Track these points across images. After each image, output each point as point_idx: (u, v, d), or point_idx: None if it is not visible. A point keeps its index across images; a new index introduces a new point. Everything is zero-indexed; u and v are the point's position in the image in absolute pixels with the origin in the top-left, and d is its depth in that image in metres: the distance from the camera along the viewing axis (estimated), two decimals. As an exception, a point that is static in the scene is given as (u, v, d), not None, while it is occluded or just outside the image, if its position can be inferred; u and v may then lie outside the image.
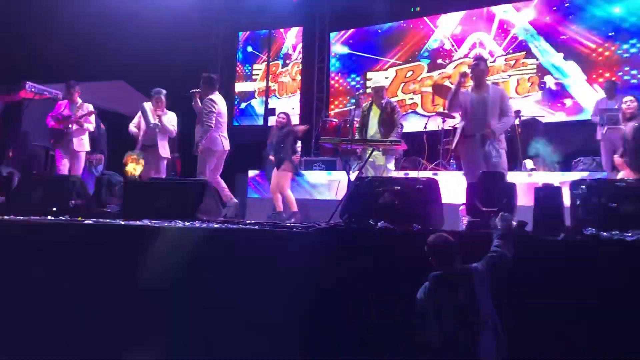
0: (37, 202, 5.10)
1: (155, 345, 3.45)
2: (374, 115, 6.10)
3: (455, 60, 10.12)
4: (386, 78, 10.34)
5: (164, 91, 6.94)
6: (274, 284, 3.65)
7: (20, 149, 8.12)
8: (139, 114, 6.86)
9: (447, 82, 9.53)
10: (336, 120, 9.66)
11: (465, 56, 9.94)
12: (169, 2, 10.00)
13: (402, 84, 10.63)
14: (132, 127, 6.85)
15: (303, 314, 3.60)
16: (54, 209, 4.88)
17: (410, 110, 10.34)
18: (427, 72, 10.39)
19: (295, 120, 11.65)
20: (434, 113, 9.09)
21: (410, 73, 10.60)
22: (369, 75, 10.92)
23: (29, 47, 8.56)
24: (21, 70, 8.27)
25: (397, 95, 10.43)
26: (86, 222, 3.09)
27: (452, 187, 5.99)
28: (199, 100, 6.40)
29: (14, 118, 7.96)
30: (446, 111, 7.17)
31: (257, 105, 12.47)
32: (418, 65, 10.53)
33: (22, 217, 3.97)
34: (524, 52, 9.43)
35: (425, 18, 10.54)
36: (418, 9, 10.56)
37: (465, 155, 5.31)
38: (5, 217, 4.07)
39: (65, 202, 4.95)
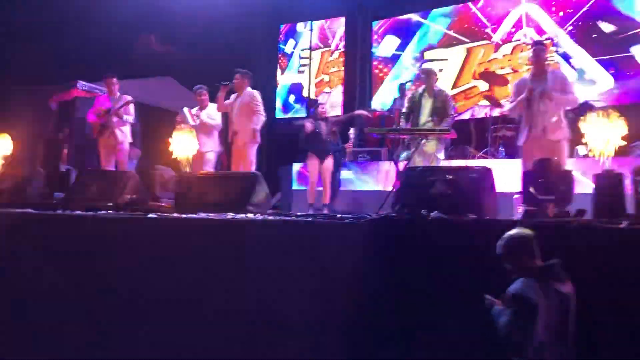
0: (93, 197, 5.25)
1: (205, 338, 3.50)
2: (426, 104, 6.00)
3: (493, 42, 9.78)
4: (443, 62, 9.95)
5: (203, 87, 7.08)
6: (325, 275, 3.65)
7: (74, 145, 8.39)
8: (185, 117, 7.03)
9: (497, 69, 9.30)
10: (380, 110, 9.60)
11: (510, 35, 9.61)
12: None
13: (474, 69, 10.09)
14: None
15: (355, 307, 3.59)
16: (110, 203, 5.01)
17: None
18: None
19: (338, 111, 11.69)
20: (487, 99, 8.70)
21: (482, 53, 10.09)
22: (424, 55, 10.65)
23: (79, 47, 8.80)
24: (73, 70, 8.52)
25: (470, 82, 10.01)
26: (149, 215, 3.17)
27: (503, 175, 5.87)
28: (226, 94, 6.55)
29: (67, 116, 8.22)
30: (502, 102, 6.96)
31: (300, 97, 12.49)
32: (488, 44, 10.05)
33: (82, 212, 4.09)
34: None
35: (469, 3, 10.28)
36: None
37: (529, 149, 5.15)
38: (68, 211, 4.20)
39: (120, 196, 5.08)
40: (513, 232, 2.88)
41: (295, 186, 8.83)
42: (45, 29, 8.63)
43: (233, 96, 6.76)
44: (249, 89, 6.74)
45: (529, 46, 9.20)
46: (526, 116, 5.21)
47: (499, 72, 9.20)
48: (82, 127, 8.15)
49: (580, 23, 8.85)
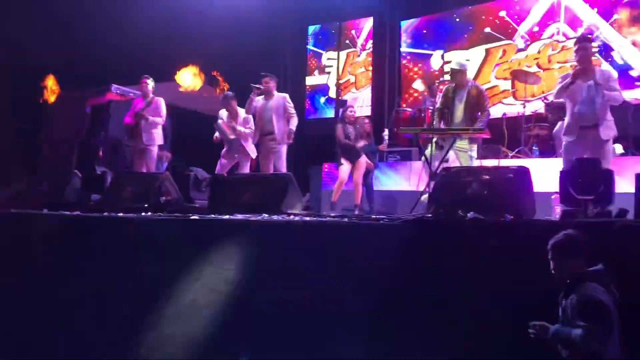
0: (128, 198, 5.34)
1: (242, 339, 3.52)
2: (460, 99, 5.87)
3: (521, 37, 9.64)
4: (467, 60, 9.91)
5: (230, 94, 7.14)
6: (361, 276, 3.65)
7: (109, 148, 8.54)
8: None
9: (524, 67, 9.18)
10: (410, 109, 9.54)
11: (538, 33, 9.46)
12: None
13: (495, 67, 10.00)
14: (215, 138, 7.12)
15: (391, 308, 3.58)
16: (146, 205, 5.08)
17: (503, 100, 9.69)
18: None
19: (366, 111, 11.66)
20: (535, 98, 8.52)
21: (501, 53, 10.02)
22: (448, 56, 10.55)
23: (113, 51, 8.96)
24: (107, 73, 8.68)
25: (489, 81, 9.87)
26: (192, 217, 3.21)
27: (537, 174, 5.78)
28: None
29: (102, 119, 8.37)
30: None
31: (327, 97, 12.49)
32: (509, 44, 9.91)
33: (123, 214, 4.16)
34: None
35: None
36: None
37: (572, 148, 5.05)
38: (106, 214, 4.28)
39: (156, 198, 5.15)
40: (570, 231, 2.81)
41: (324, 187, 8.84)
42: (79, 33, 8.79)
43: (260, 98, 6.84)
44: (275, 92, 6.93)
45: (561, 43, 9.10)
46: (571, 111, 5.10)
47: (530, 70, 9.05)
48: (116, 130, 8.30)
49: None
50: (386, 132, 7.59)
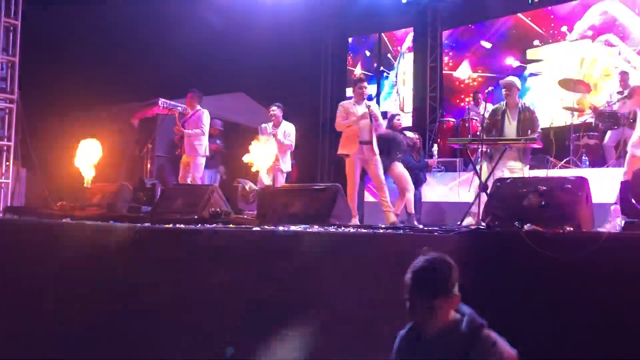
0: (178, 210, 5.41)
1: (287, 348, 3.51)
2: (511, 122, 5.72)
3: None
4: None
5: (274, 107, 7.17)
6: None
7: (157, 161, 8.71)
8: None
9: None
10: (453, 120, 9.45)
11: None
12: (279, 13, 10.33)
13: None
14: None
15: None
16: (195, 216, 5.14)
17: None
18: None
19: (408, 121, 11.59)
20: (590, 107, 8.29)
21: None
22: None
23: (160, 66, 9.17)
24: (154, 88, 8.88)
25: None
26: (255, 228, 3.24)
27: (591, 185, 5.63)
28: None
29: (149, 133, 8.55)
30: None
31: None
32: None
33: (194, 226, 4.20)
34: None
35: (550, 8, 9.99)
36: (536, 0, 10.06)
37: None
38: (166, 225, 4.35)
39: (205, 210, 5.20)
40: (436, 255, 2.40)
41: (367, 198, 8.80)
42: (128, 48, 9.03)
43: (353, 102, 6.58)
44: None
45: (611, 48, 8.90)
46: None
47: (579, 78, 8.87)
48: (163, 143, 8.47)
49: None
50: (435, 147, 7.53)
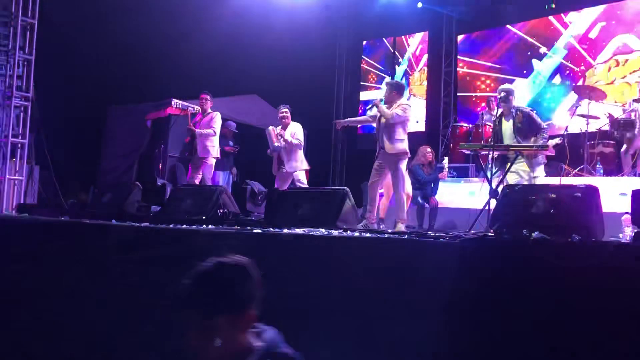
0: (187, 211, 5.43)
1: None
2: (507, 127, 5.74)
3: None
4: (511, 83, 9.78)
5: (284, 108, 7.18)
6: (418, 296, 3.55)
7: (168, 161, 8.76)
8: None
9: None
10: (467, 125, 9.38)
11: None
12: (293, 16, 10.34)
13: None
14: (269, 152, 7.15)
15: (449, 331, 3.47)
16: (204, 217, 5.15)
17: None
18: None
19: (421, 126, 11.53)
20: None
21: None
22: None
23: (173, 67, 9.22)
24: (167, 88, 8.93)
25: None
26: (255, 231, 3.22)
27: (603, 194, 5.55)
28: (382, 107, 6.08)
29: (161, 133, 8.60)
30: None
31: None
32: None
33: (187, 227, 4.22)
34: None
35: (562, 15, 9.92)
36: (553, 5, 9.96)
37: None
38: (172, 225, 4.36)
39: (213, 211, 5.21)
40: (230, 260, 1.81)
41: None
42: (139, 50, 9.09)
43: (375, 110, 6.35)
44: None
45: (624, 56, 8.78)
46: None
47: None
48: (175, 144, 8.51)
49: None
50: (446, 160, 7.49)
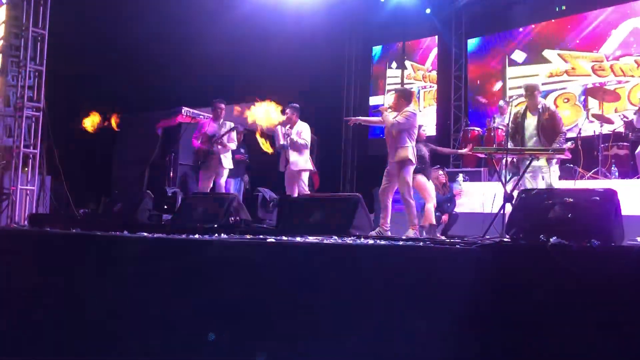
0: (198, 219, 5.40)
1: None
2: (531, 122, 5.66)
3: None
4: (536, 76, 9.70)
5: (287, 109, 7.12)
6: (433, 303, 3.50)
7: (178, 169, 8.75)
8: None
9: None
10: (479, 129, 9.31)
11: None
12: (302, 22, 10.33)
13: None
14: (277, 148, 7.11)
15: (465, 338, 3.41)
16: (215, 225, 5.12)
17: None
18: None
19: (432, 130, 11.46)
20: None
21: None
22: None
23: (183, 75, 9.22)
24: (177, 96, 8.94)
25: None
26: (269, 240, 3.20)
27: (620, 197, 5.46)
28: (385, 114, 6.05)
29: (172, 141, 8.60)
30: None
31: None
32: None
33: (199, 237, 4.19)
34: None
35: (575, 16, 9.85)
36: (564, 7, 9.89)
37: None
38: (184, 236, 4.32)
39: (225, 219, 5.18)
40: None
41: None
42: (150, 57, 9.12)
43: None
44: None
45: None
46: None
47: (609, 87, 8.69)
48: (185, 152, 8.50)
49: None
50: (460, 177, 7.43)
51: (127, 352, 2.83)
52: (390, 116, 5.82)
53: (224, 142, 7.22)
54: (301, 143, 6.94)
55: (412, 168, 5.81)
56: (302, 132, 7.02)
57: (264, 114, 6.25)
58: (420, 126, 7.59)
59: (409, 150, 5.70)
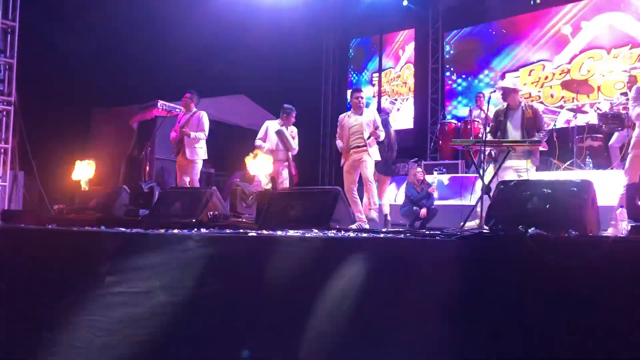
0: (176, 214, 5.34)
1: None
2: (513, 121, 5.64)
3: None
4: (517, 77, 9.85)
5: (291, 107, 7.16)
6: (413, 295, 3.51)
7: (155, 164, 8.64)
8: (264, 128, 7.10)
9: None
10: (455, 122, 9.37)
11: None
12: (279, 15, 10.27)
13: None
14: (258, 141, 7.07)
15: (445, 328, 3.43)
16: (193, 220, 5.07)
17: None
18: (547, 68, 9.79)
19: (409, 123, 11.51)
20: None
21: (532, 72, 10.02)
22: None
23: (159, 68, 9.10)
24: (153, 90, 8.81)
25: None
26: (250, 233, 3.17)
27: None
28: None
29: (148, 135, 8.48)
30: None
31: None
32: (539, 64, 9.94)
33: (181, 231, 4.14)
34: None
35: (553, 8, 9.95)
36: (538, 0, 9.99)
37: None
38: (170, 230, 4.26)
39: (203, 213, 5.13)
40: None
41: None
42: (125, 51, 8.97)
43: (349, 114, 6.69)
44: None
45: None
46: None
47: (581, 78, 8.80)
48: (162, 146, 8.39)
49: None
50: (435, 174, 7.59)
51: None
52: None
53: (187, 132, 7.13)
54: (293, 146, 7.15)
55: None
56: (295, 136, 7.16)
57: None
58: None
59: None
